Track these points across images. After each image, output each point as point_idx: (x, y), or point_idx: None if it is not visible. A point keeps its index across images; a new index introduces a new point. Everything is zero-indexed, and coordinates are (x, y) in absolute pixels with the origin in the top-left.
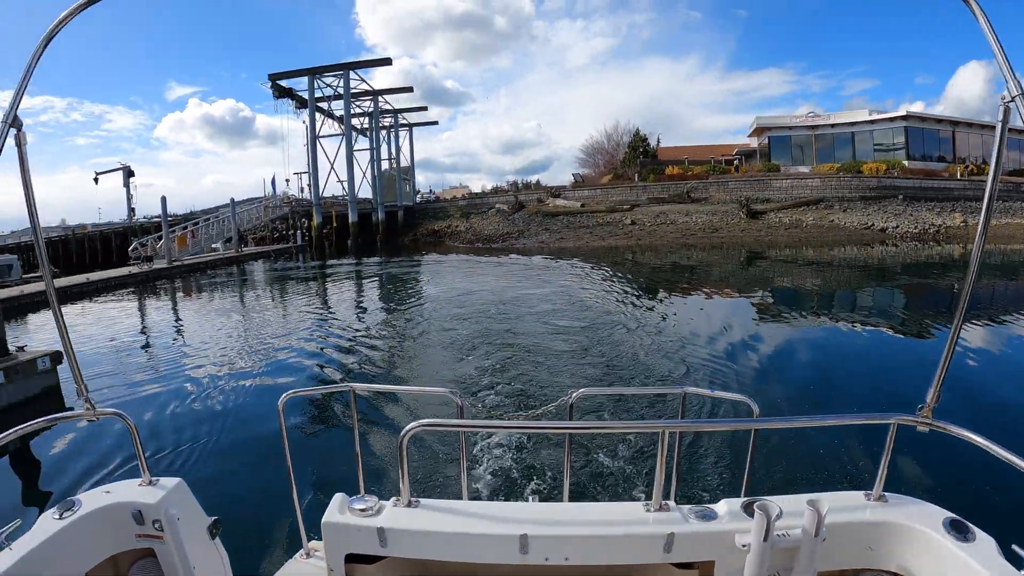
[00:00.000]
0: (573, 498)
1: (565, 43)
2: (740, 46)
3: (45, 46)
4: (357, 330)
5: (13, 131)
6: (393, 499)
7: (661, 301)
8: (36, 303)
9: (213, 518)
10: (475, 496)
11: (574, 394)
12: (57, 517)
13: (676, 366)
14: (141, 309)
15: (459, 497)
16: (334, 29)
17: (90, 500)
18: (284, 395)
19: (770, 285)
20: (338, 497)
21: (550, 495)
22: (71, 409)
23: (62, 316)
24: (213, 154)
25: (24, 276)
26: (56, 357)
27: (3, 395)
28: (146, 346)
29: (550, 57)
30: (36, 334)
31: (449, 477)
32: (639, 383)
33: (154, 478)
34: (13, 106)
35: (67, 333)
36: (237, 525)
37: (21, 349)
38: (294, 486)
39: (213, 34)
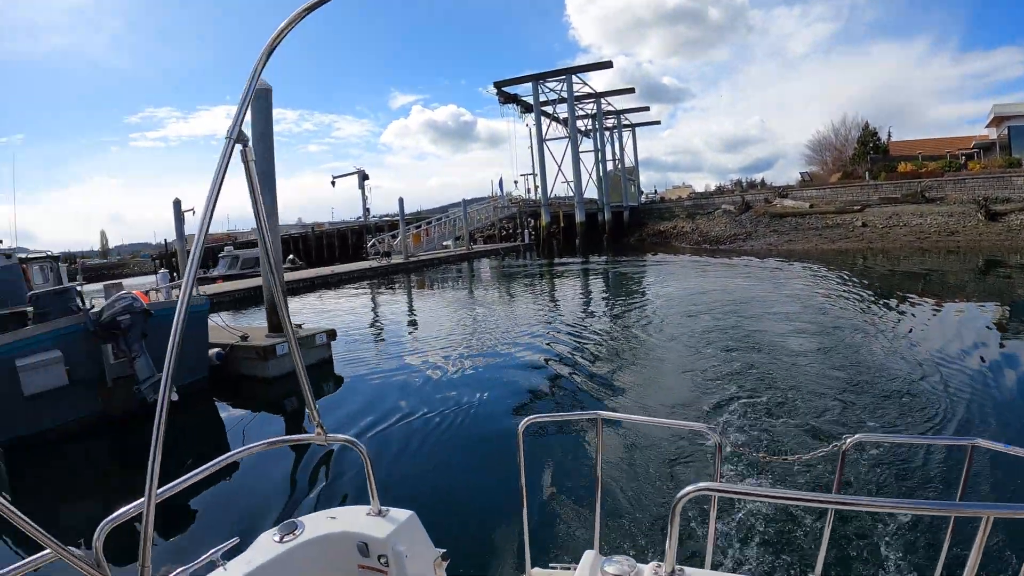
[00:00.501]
0: (827, 573)
1: (784, 31)
2: (974, 21)
3: (266, 60)
4: (591, 329)
5: (239, 147)
6: (654, 564)
7: (902, 311)
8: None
9: (441, 551)
10: (718, 560)
11: (848, 440)
12: (278, 539)
13: (933, 391)
14: (382, 300)
15: (701, 560)
16: (547, 32)
17: (314, 524)
18: (525, 420)
19: (1019, 298)
20: (589, 556)
21: (800, 564)
22: (339, 380)
23: (299, 349)
24: (437, 157)
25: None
26: (331, 334)
27: (288, 362)
28: (383, 335)
29: (769, 47)
30: (293, 316)
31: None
32: (899, 408)
33: (384, 508)
34: (237, 122)
35: (300, 360)
36: (458, 547)
37: (299, 326)
38: (525, 516)
39: (432, 45)
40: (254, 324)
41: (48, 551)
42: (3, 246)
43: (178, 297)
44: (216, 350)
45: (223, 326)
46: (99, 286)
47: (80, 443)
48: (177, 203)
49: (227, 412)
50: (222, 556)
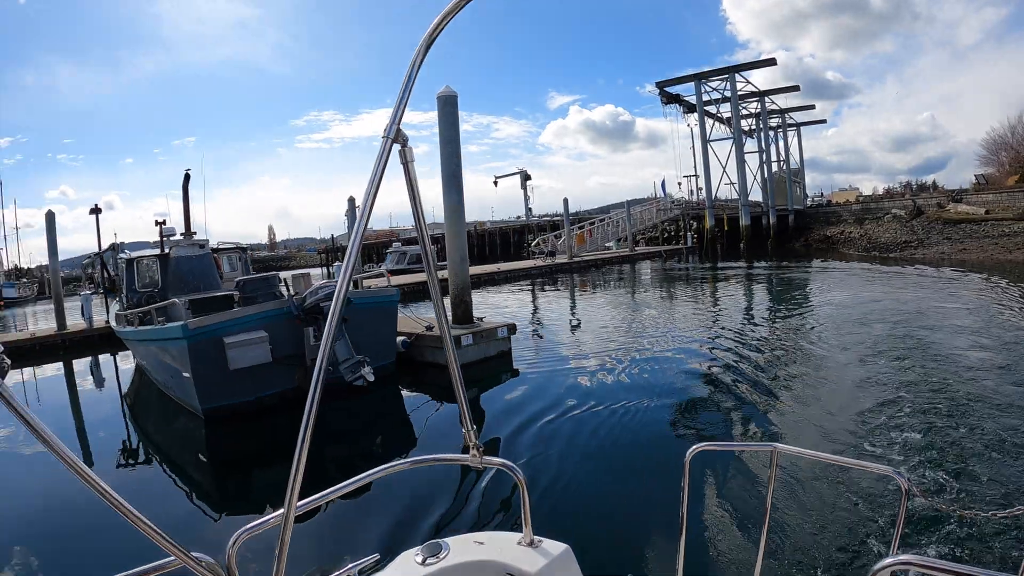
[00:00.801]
0: None
1: (952, 18)
2: None
3: (425, 53)
4: (757, 336)
5: (397, 146)
6: None
7: None
8: (442, 289)
9: None
10: None
11: None
12: (420, 561)
13: None
14: (548, 298)
15: None
16: (704, 28)
17: (459, 548)
18: (694, 448)
19: None
20: None
21: None
22: (515, 373)
23: (458, 367)
24: (596, 157)
25: (440, 264)
26: (511, 328)
27: (471, 353)
28: (550, 332)
29: (937, 36)
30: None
31: None
32: None
33: (537, 539)
34: (394, 121)
35: (459, 373)
36: None
37: (481, 319)
38: (682, 549)
39: (588, 44)
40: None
41: (172, 558)
42: (197, 237)
43: (374, 287)
44: (402, 338)
45: (410, 316)
46: (287, 275)
47: (275, 416)
48: (351, 201)
49: (410, 395)
50: (360, 573)
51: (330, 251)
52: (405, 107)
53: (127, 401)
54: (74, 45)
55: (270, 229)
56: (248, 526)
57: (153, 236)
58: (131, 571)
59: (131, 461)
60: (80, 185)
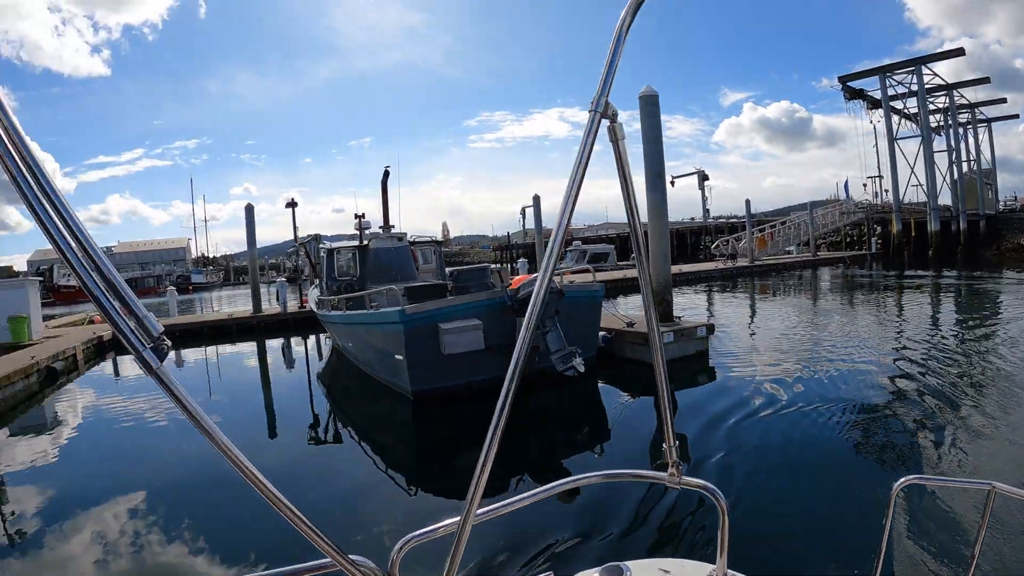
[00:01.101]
0: None
1: None
2: None
3: (632, 16)
4: (953, 356)
5: (606, 122)
6: None
7: None
8: (628, 287)
9: None
10: None
11: None
12: None
13: None
14: (731, 301)
15: None
16: (880, 15)
17: (642, 573)
18: (902, 481)
19: None
20: None
21: None
22: (711, 373)
23: (665, 372)
24: (771, 156)
25: (618, 263)
26: (710, 328)
27: (671, 351)
28: (741, 336)
29: None
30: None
31: None
32: None
33: (731, 572)
34: (602, 93)
35: (666, 383)
36: None
37: (679, 318)
38: None
39: (759, 37)
40: (629, 312)
41: (328, 559)
42: (395, 231)
43: (577, 281)
44: (603, 333)
45: (612, 313)
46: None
47: (484, 402)
48: (536, 199)
49: (608, 390)
50: None
51: (505, 248)
52: (614, 76)
53: (323, 380)
54: (253, 55)
55: (444, 225)
56: (417, 532)
57: (333, 229)
58: (283, 568)
59: (325, 438)
60: (262, 182)
